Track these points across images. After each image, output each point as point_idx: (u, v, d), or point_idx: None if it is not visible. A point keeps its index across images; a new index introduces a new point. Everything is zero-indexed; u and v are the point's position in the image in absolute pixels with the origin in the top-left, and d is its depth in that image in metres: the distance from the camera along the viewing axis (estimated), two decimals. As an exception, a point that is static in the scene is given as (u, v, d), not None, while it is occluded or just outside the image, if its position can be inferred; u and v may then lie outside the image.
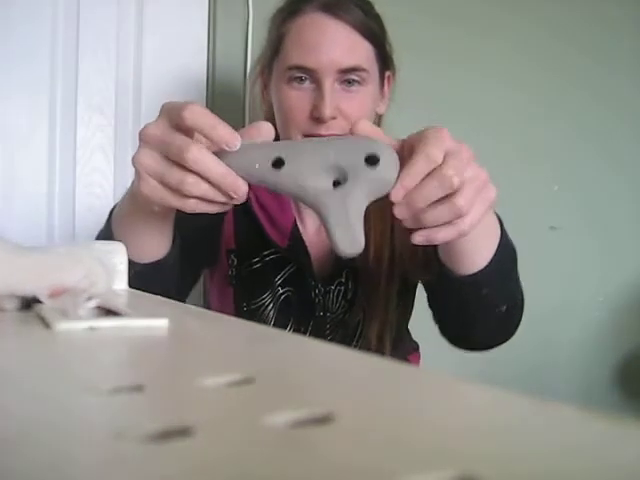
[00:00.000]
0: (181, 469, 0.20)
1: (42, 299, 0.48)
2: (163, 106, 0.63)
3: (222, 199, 0.61)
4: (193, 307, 0.54)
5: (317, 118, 0.89)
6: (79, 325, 0.41)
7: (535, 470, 0.20)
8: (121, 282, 0.61)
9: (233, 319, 0.48)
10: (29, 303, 0.49)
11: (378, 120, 1.02)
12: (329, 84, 0.89)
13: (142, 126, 0.64)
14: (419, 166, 0.58)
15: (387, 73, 0.99)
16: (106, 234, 0.75)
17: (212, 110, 0.60)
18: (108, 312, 0.46)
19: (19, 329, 0.44)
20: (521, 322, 0.88)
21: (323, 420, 0.23)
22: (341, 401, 0.27)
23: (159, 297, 0.61)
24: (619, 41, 1.56)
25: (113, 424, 0.23)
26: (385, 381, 0.31)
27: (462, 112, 1.45)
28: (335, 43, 0.89)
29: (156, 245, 0.72)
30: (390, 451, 0.21)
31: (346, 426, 0.23)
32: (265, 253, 0.98)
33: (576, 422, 0.24)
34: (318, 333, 0.97)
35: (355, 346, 0.98)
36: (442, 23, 1.43)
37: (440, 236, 0.61)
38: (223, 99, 1.31)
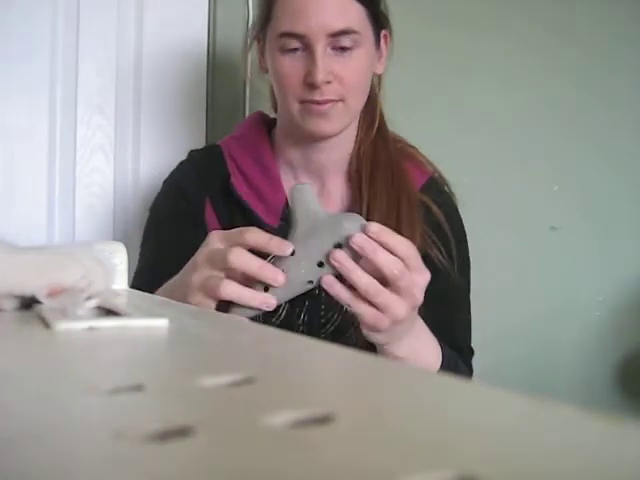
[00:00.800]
0: (181, 469, 0.20)
1: (40, 299, 0.48)
2: (210, 235, 0.72)
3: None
4: (193, 307, 0.54)
5: (311, 84, 0.89)
6: (79, 325, 0.41)
7: (535, 470, 0.20)
8: (121, 282, 0.61)
9: (233, 319, 0.48)
10: (29, 303, 0.49)
11: (378, 80, 1.01)
12: (321, 49, 0.88)
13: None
14: (381, 256, 0.67)
15: (383, 32, 0.98)
16: None
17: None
18: (108, 312, 0.46)
19: (19, 329, 0.44)
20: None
21: (323, 420, 0.23)
22: (341, 401, 0.27)
23: (159, 297, 0.61)
24: (619, 41, 1.56)
25: (113, 424, 0.23)
26: (385, 381, 0.31)
27: (462, 112, 1.45)
28: (323, 6, 0.88)
29: None
30: (390, 451, 0.21)
31: (346, 426, 0.23)
32: None
33: (576, 422, 0.24)
34: (313, 313, 0.96)
35: (344, 327, 0.96)
36: (442, 23, 1.43)
37: (336, 290, 0.69)
38: (223, 100, 1.31)
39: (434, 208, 0.96)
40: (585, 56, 1.53)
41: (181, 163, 1.07)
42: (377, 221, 0.80)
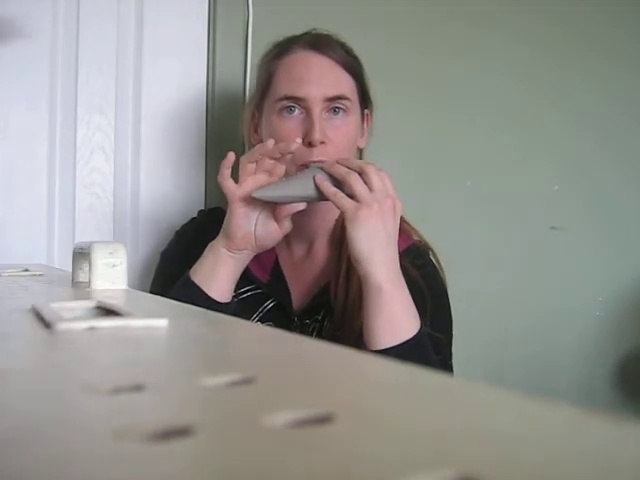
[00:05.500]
0: (181, 469, 0.20)
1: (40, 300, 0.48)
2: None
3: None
4: (193, 307, 0.54)
5: (309, 143, 0.97)
6: (79, 325, 0.41)
7: (535, 470, 0.20)
8: (121, 282, 0.61)
9: (233, 319, 0.48)
10: (29, 303, 0.49)
11: (359, 153, 1.10)
12: (318, 111, 0.98)
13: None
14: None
15: (366, 111, 1.08)
16: (181, 291, 0.94)
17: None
18: (108, 312, 0.46)
19: (19, 329, 0.44)
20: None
21: (323, 420, 0.23)
22: (341, 401, 0.27)
23: (159, 297, 0.61)
24: (622, 35, 1.56)
25: (113, 424, 0.23)
26: (384, 381, 0.31)
27: (461, 111, 1.45)
28: (322, 75, 1.01)
29: (229, 289, 0.96)
30: (389, 451, 0.21)
31: (346, 426, 0.23)
32: (247, 288, 1.04)
33: (576, 422, 0.24)
34: None
35: None
36: (443, 15, 1.43)
37: (325, 184, 0.88)
38: (223, 99, 1.31)
39: (410, 268, 1.00)
40: (587, 51, 1.53)
41: (192, 219, 1.17)
42: (354, 279, 0.95)
